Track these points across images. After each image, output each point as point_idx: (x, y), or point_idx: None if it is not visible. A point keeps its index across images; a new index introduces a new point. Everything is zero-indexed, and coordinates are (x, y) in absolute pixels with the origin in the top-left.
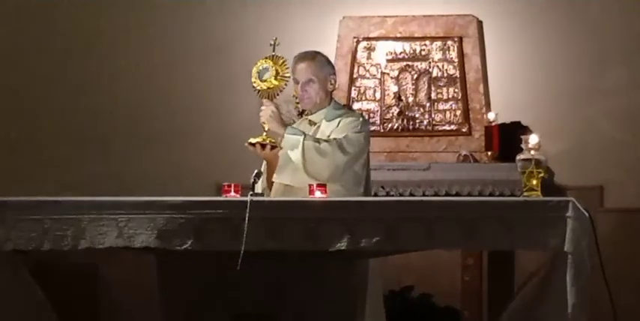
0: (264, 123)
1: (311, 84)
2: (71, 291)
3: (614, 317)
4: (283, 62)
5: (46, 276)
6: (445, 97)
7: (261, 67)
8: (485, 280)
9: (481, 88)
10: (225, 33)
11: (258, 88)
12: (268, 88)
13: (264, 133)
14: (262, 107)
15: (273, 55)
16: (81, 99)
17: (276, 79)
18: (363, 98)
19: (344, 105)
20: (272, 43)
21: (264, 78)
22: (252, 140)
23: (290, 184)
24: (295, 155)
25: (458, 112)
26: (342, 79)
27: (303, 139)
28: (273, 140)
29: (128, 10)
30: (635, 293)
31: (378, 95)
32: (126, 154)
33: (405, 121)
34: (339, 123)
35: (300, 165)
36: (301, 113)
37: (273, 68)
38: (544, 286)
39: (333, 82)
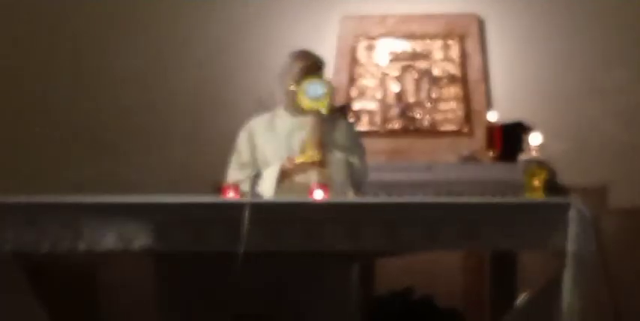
0: (309, 140)
1: None
2: (71, 292)
3: (617, 319)
4: (329, 81)
5: (45, 277)
6: (446, 97)
7: (308, 85)
8: (487, 282)
9: (483, 87)
10: (224, 32)
11: (314, 106)
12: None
13: (308, 151)
14: (310, 125)
15: (321, 73)
16: (81, 100)
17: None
18: (363, 98)
19: (344, 105)
20: (316, 65)
21: (315, 96)
22: (303, 160)
23: None
24: (341, 174)
25: (459, 112)
26: (342, 78)
27: (347, 160)
28: (321, 159)
29: (131, 11)
30: (639, 294)
31: (378, 95)
32: (125, 155)
33: (406, 121)
34: (343, 130)
35: (345, 182)
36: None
37: (328, 87)
38: (545, 287)
39: None
